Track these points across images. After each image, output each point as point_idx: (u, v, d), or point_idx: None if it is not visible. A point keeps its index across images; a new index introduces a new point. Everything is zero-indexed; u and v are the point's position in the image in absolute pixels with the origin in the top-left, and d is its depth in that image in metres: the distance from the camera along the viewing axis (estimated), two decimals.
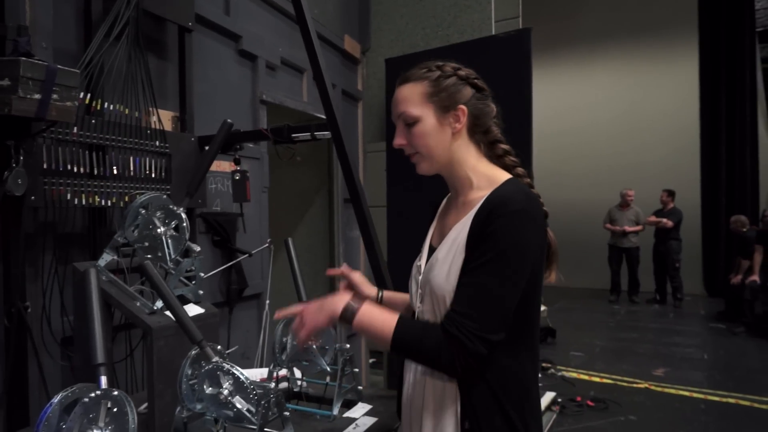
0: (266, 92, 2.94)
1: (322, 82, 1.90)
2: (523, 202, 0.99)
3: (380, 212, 3.93)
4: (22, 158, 1.47)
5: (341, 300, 1.07)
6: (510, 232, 0.97)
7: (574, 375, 4.71)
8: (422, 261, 1.17)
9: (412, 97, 1.09)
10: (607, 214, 8.14)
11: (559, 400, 3.98)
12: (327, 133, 1.94)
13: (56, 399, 1.04)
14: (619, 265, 8.11)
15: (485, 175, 1.11)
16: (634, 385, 4.45)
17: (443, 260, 1.05)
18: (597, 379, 4.61)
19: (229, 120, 1.68)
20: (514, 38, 3.25)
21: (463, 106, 1.08)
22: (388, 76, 3.86)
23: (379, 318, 1.03)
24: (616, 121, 9.33)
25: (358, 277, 1.41)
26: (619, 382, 4.53)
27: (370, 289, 1.41)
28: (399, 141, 1.12)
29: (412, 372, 1.13)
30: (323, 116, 3.32)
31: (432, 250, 1.15)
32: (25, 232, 1.57)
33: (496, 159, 1.14)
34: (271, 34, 3.04)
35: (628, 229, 7.83)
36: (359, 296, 1.36)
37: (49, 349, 1.67)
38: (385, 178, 3.88)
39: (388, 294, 1.44)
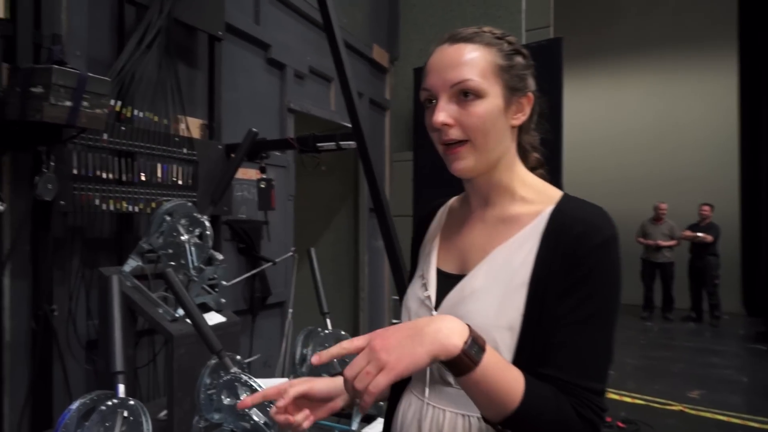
0: (294, 101, 2.96)
1: (348, 92, 1.88)
2: (612, 224, 0.78)
3: (406, 222, 3.90)
4: (52, 164, 1.50)
5: (456, 327, 0.67)
6: (611, 269, 0.77)
7: None
8: (431, 290, 0.88)
9: (481, 64, 0.80)
10: (639, 228, 7.92)
11: None
12: (352, 143, 1.92)
13: (74, 406, 1.04)
14: (653, 280, 7.87)
15: (533, 187, 0.86)
16: (668, 407, 4.27)
17: (485, 292, 0.79)
18: (628, 399, 4.45)
19: (254, 129, 1.68)
20: (545, 48, 3.19)
21: (531, 95, 0.84)
22: (416, 85, 3.84)
23: (506, 365, 0.70)
24: (650, 132, 9.09)
25: (319, 385, 0.88)
26: (651, 403, 4.36)
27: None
28: (443, 119, 0.79)
29: (441, 411, 0.81)
30: (350, 125, 3.33)
31: (447, 276, 0.88)
32: (53, 237, 1.59)
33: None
34: (299, 43, 3.06)
35: (661, 243, 7.60)
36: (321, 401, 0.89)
37: (74, 353, 1.69)
38: (411, 187, 3.86)
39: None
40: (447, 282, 0.86)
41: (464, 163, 0.81)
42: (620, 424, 3.82)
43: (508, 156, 0.85)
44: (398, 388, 0.93)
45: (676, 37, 8.84)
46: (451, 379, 0.80)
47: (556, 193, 0.84)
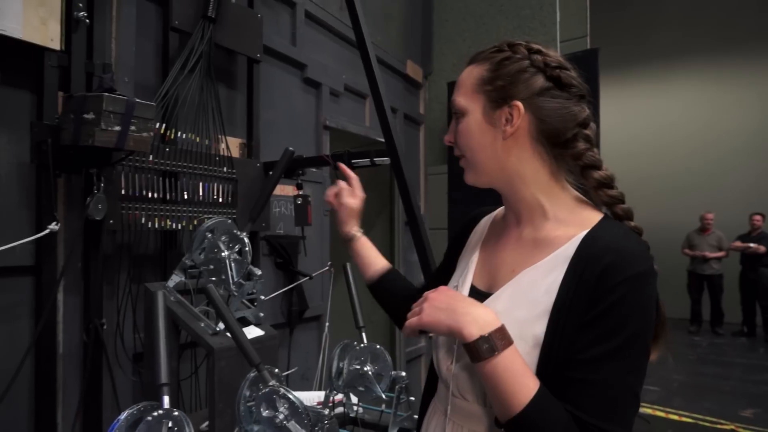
0: (330, 118, 3.02)
1: (381, 109, 1.92)
2: (648, 259, 0.73)
3: (442, 234, 3.90)
4: (102, 185, 1.59)
5: (483, 319, 0.73)
6: (640, 305, 0.71)
7: (649, 411, 4.40)
8: None
9: (467, 83, 0.86)
10: (685, 239, 7.67)
11: None
12: (386, 159, 1.95)
13: (123, 416, 1.09)
14: (700, 293, 7.59)
15: (567, 206, 0.83)
16: (718, 426, 4.09)
17: (505, 316, 0.77)
18: (675, 417, 4.28)
19: (290, 148, 1.73)
20: (581, 59, 3.15)
21: (518, 103, 0.80)
22: (449, 99, 3.86)
23: (520, 373, 0.71)
24: (695, 140, 8.82)
25: (356, 183, 1.35)
26: (700, 422, 4.18)
27: (348, 229, 1.32)
28: (447, 137, 0.91)
29: (460, 427, 0.85)
30: (384, 140, 3.37)
31: (477, 293, 0.87)
32: (103, 254, 1.68)
33: (591, 192, 0.84)
34: (334, 62, 3.13)
35: (708, 254, 7.32)
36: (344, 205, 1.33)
37: (122, 365, 1.76)
38: (446, 200, 3.86)
39: (365, 245, 1.30)
40: (476, 298, 0.84)
41: (466, 176, 0.89)
42: None
43: (516, 167, 0.83)
44: (426, 399, 0.98)
45: (723, 42, 8.58)
46: (469, 397, 0.83)
47: (594, 217, 0.80)
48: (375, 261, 1.29)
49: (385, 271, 1.27)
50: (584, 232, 0.77)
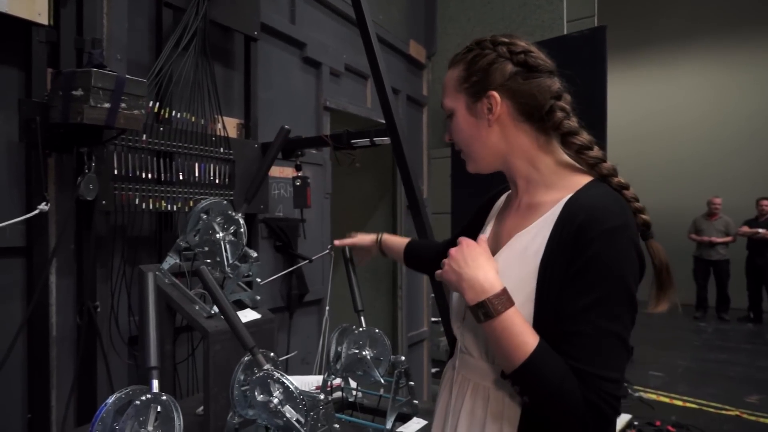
0: (330, 98, 2.96)
1: (382, 88, 1.87)
2: (621, 215, 0.79)
3: (445, 219, 3.85)
4: (93, 164, 1.54)
5: (481, 286, 0.81)
6: (615, 257, 0.76)
7: (653, 397, 4.38)
8: None
9: (448, 86, 0.96)
10: (692, 224, 7.58)
11: (636, 423, 3.71)
12: (386, 139, 1.90)
13: (110, 400, 1.06)
14: (706, 278, 7.52)
15: (554, 171, 0.89)
16: (723, 412, 4.06)
17: (501, 277, 0.84)
18: (679, 403, 4.26)
19: (286, 126, 1.68)
20: (588, 37, 3.07)
21: (493, 92, 0.88)
22: None
23: (519, 332, 0.78)
24: (701, 125, 8.68)
25: (360, 240, 1.60)
26: (705, 408, 4.16)
27: (369, 238, 1.58)
28: (446, 137, 1.01)
29: (467, 380, 0.93)
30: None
31: None
32: (96, 235, 1.65)
33: (575, 157, 0.90)
34: (335, 41, 3.06)
35: (715, 239, 7.24)
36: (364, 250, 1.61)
37: (117, 348, 1.74)
38: (449, 184, 3.80)
39: (387, 237, 1.55)
40: None
41: (468, 166, 0.98)
42: (671, 429, 3.66)
43: (507, 146, 0.91)
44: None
45: (729, 25, 8.41)
46: (474, 353, 0.92)
47: (582, 180, 0.86)
48: (401, 245, 1.52)
49: (406, 246, 1.51)
50: (569, 195, 0.84)
